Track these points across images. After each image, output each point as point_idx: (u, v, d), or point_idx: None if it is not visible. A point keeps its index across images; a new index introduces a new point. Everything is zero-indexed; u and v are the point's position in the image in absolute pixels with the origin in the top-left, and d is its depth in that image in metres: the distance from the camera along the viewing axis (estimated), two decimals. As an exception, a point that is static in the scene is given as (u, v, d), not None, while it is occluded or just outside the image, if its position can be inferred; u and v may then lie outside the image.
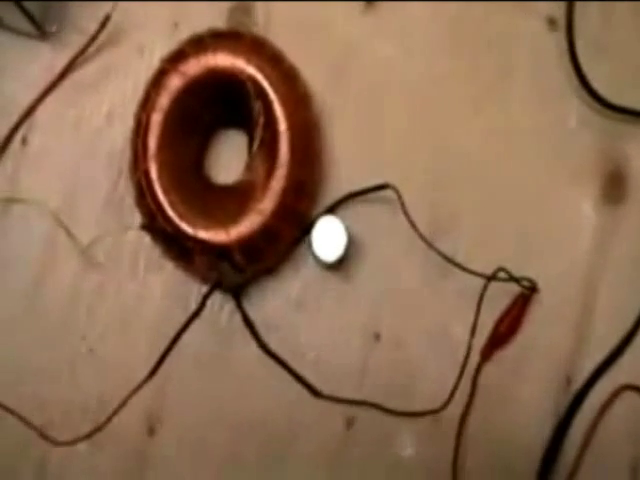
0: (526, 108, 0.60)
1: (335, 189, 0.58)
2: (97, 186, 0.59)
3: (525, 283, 0.56)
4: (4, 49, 0.60)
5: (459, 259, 0.56)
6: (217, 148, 0.59)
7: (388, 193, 0.56)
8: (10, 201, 0.58)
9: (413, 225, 0.55)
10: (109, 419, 0.56)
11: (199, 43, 0.57)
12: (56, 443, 0.56)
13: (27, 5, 0.57)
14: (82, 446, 0.56)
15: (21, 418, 0.56)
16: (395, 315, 0.57)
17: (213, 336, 0.57)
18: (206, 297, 0.56)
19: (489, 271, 0.56)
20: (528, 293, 0.57)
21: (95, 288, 0.58)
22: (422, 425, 0.56)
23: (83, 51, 0.59)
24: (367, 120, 0.59)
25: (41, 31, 0.60)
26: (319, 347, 0.57)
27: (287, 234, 0.56)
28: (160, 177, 0.55)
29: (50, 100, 0.59)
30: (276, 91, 0.55)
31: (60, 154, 0.59)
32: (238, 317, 0.56)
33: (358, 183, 0.57)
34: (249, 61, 0.56)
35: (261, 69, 0.56)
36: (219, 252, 0.54)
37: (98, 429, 0.56)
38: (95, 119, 0.59)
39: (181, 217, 0.54)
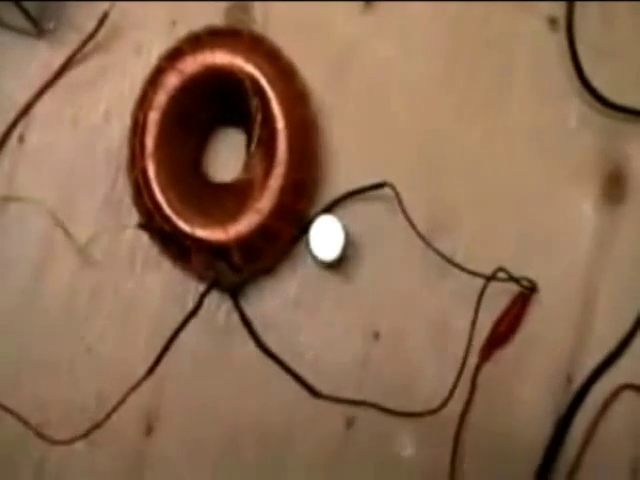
0: (526, 107, 0.59)
1: (334, 188, 0.58)
2: (95, 184, 0.58)
3: (525, 283, 0.56)
4: (1, 47, 0.60)
5: (458, 258, 0.56)
6: (215, 146, 0.59)
7: (386, 192, 0.56)
8: (7, 199, 0.58)
9: (412, 224, 0.55)
10: (107, 417, 0.55)
11: (196, 41, 0.56)
12: (54, 442, 0.56)
13: (24, 3, 0.56)
14: (80, 445, 0.56)
15: (19, 418, 0.56)
16: (394, 314, 0.57)
17: (211, 335, 0.57)
18: (203, 296, 0.56)
19: (488, 271, 0.55)
20: (528, 293, 0.56)
21: (93, 286, 0.57)
22: (422, 425, 0.56)
23: (80, 49, 0.58)
24: (366, 119, 0.59)
25: (38, 29, 0.60)
26: (317, 346, 0.57)
27: (285, 233, 0.56)
28: (157, 175, 0.55)
29: (47, 98, 0.59)
30: (274, 89, 0.55)
31: (57, 152, 0.59)
32: (236, 316, 0.56)
33: (357, 182, 0.57)
34: (247, 59, 0.55)
35: (259, 67, 0.55)
36: (217, 251, 0.54)
37: (96, 427, 0.55)
38: (92, 117, 0.59)
39: (179, 215, 0.54)
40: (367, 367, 0.56)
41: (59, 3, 0.60)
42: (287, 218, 0.55)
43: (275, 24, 0.60)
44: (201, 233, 0.54)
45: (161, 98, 0.55)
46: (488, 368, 0.57)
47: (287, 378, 0.56)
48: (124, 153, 0.56)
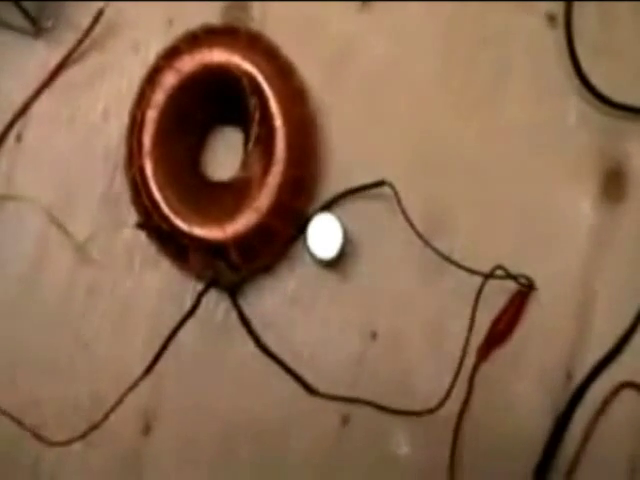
0: (524, 105, 0.59)
1: (332, 186, 0.58)
2: (92, 183, 0.58)
3: (523, 281, 0.56)
4: (-1, 46, 0.59)
5: (456, 256, 0.56)
6: (213, 145, 0.59)
7: (385, 190, 0.56)
8: (5, 198, 0.58)
9: (410, 222, 0.55)
10: (105, 417, 0.55)
11: (194, 39, 0.56)
12: (50, 443, 0.56)
13: (23, 2, 0.56)
14: (77, 445, 0.56)
15: (15, 419, 0.56)
16: (392, 313, 0.57)
17: (209, 334, 0.57)
18: (201, 295, 0.55)
19: (486, 268, 0.55)
20: (526, 291, 0.56)
21: (90, 285, 0.58)
22: (418, 424, 0.55)
23: (76, 47, 0.58)
24: (364, 117, 0.59)
25: (36, 28, 0.60)
26: (315, 345, 0.57)
27: (283, 231, 0.56)
28: (155, 174, 0.55)
29: (45, 97, 0.59)
30: (272, 87, 0.55)
31: (55, 151, 0.59)
32: (234, 315, 0.56)
33: (355, 180, 0.57)
34: (244, 57, 0.55)
35: (256, 65, 0.55)
36: (214, 249, 0.54)
37: (94, 427, 0.55)
38: (90, 116, 0.59)
39: (176, 214, 0.54)
40: (364, 365, 0.56)
41: (57, 2, 0.60)
42: (285, 216, 0.55)
43: (273, 22, 0.59)
44: (199, 232, 0.54)
45: (159, 97, 0.55)
46: (486, 366, 0.56)
47: (284, 376, 0.56)
48: (122, 152, 0.56)
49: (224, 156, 0.58)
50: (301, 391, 0.56)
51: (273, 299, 0.57)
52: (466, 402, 0.55)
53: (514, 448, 0.56)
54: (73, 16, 0.60)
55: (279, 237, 0.56)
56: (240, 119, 0.57)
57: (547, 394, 0.56)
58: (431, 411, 0.54)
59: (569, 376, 0.57)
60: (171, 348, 0.56)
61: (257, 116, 0.55)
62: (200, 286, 0.56)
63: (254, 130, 0.55)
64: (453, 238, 0.57)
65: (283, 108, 0.55)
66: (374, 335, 0.57)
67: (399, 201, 0.55)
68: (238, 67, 0.55)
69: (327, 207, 0.57)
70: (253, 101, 0.55)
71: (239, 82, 0.55)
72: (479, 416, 0.56)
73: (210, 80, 0.56)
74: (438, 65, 0.60)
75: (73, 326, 0.57)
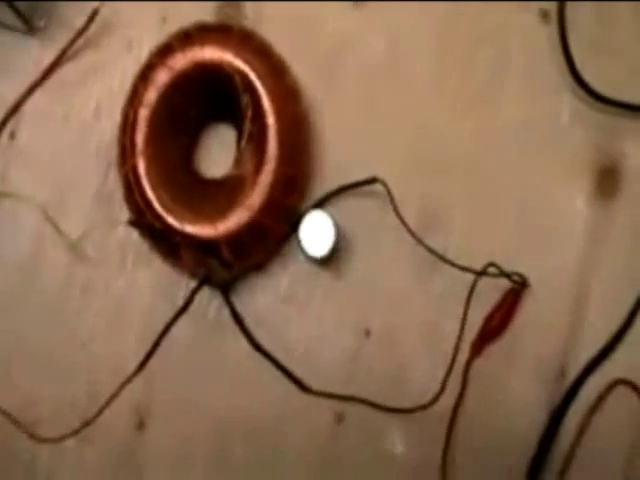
0: (519, 102, 0.59)
1: (326, 183, 0.58)
2: (86, 181, 0.59)
3: (516, 278, 0.56)
4: (-7, 44, 0.59)
5: (450, 254, 0.56)
6: (206, 143, 0.59)
7: (378, 187, 0.56)
8: (-1, 196, 0.58)
9: (402, 220, 0.55)
10: (98, 414, 0.55)
11: (186, 37, 0.56)
12: (45, 440, 0.56)
13: (15, 2, 0.56)
14: (71, 442, 0.56)
15: (9, 416, 0.56)
16: (385, 310, 0.57)
17: (202, 331, 0.57)
18: (194, 292, 0.56)
19: (481, 266, 0.55)
20: (519, 288, 0.56)
21: (84, 283, 0.58)
22: (413, 421, 0.55)
23: (70, 46, 0.59)
24: (357, 114, 0.59)
25: (29, 26, 0.60)
26: (308, 342, 0.57)
27: (276, 229, 0.56)
28: (148, 172, 0.55)
29: (38, 95, 0.59)
30: (264, 84, 0.55)
31: (49, 149, 0.59)
32: (227, 312, 0.56)
33: (349, 178, 0.57)
34: (237, 54, 0.55)
35: (249, 62, 0.55)
36: (206, 247, 0.54)
37: (87, 424, 0.55)
38: (84, 114, 0.59)
39: (169, 212, 0.54)
40: (358, 363, 0.56)
41: (50, 2, 0.60)
42: (277, 214, 0.55)
43: (266, 20, 0.59)
44: (191, 229, 0.54)
45: (151, 95, 0.55)
46: (480, 363, 0.56)
47: (277, 374, 0.56)
48: (115, 149, 0.56)
49: (217, 154, 0.58)
50: (295, 389, 0.56)
51: (266, 296, 0.57)
52: (460, 398, 0.55)
53: (508, 444, 0.56)
54: (66, 15, 0.60)
55: (271, 235, 0.56)
56: (233, 117, 0.57)
57: (541, 390, 0.56)
58: (424, 407, 0.54)
59: (563, 372, 0.56)
60: (164, 345, 0.56)
61: (250, 114, 0.55)
62: (193, 283, 0.56)
63: (246, 128, 0.55)
64: (448, 235, 0.57)
65: (275, 106, 0.55)
66: (368, 332, 0.57)
67: (391, 198, 0.55)
68: (230, 65, 0.55)
69: (320, 204, 0.57)
70: (245, 99, 0.55)
71: (231, 80, 0.55)
72: (473, 412, 0.56)
73: (203, 78, 0.56)
74: (432, 63, 0.60)
75: (68, 323, 0.57)
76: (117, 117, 0.56)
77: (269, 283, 0.57)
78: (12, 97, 0.59)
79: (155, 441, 0.56)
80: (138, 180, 0.55)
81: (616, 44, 0.59)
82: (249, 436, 0.56)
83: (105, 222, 0.57)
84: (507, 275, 0.55)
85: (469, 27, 0.60)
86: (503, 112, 0.59)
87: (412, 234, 0.55)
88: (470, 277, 0.55)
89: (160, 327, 0.56)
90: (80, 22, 0.58)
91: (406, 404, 0.55)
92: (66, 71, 0.59)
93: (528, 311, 0.57)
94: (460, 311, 0.56)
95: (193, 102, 0.57)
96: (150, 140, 0.55)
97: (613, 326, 0.57)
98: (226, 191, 0.55)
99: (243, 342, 0.56)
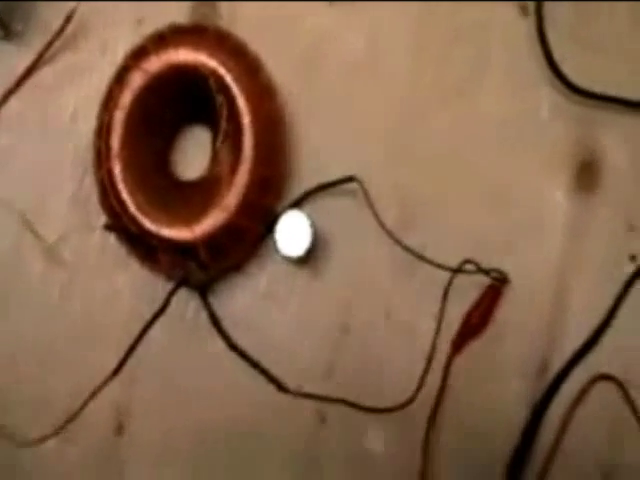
0: (497, 97, 0.59)
1: (304, 183, 0.58)
2: (63, 185, 0.59)
3: (495, 274, 0.55)
4: (-32, 50, 0.60)
5: (429, 251, 0.55)
6: (183, 145, 0.59)
7: (356, 186, 0.56)
8: (-25, 201, 0.58)
9: (378, 218, 0.55)
10: (74, 416, 0.55)
11: (161, 39, 0.56)
12: (25, 442, 0.56)
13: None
14: (51, 445, 0.56)
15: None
16: (364, 309, 0.57)
17: (180, 333, 0.57)
18: (171, 294, 0.56)
19: (460, 262, 0.55)
20: (498, 284, 0.56)
21: (62, 286, 0.58)
22: (394, 419, 0.55)
23: (46, 50, 0.59)
24: (334, 113, 0.59)
25: (6, 31, 0.60)
26: (287, 342, 0.57)
27: (252, 230, 0.56)
28: (123, 176, 0.55)
29: (15, 100, 0.59)
30: (239, 84, 0.55)
31: (25, 153, 0.59)
32: (205, 314, 0.56)
33: (328, 177, 0.57)
34: (211, 55, 0.55)
35: (223, 63, 0.55)
36: (183, 249, 0.54)
37: (64, 427, 0.55)
38: (60, 117, 0.59)
39: (145, 215, 0.54)
40: (337, 362, 0.56)
41: (27, 5, 0.60)
42: (254, 215, 0.55)
43: (242, 20, 0.59)
44: (167, 232, 0.54)
45: (126, 98, 0.55)
46: (461, 360, 0.56)
47: (256, 374, 0.56)
48: (92, 153, 0.56)
49: (193, 156, 0.58)
50: (273, 389, 0.56)
51: (244, 297, 0.57)
52: (440, 396, 0.55)
53: (490, 440, 0.56)
54: (43, 18, 0.60)
55: (248, 235, 0.56)
56: (209, 118, 0.56)
57: (523, 386, 0.56)
58: (402, 407, 0.53)
59: (545, 368, 0.56)
60: (142, 347, 0.56)
61: (225, 114, 0.55)
62: (171, 286, 0.56)
63: (222, 128, 0.55)
64: (427, 232, 0.57)
65: (251, 105, 0.55)
66: (346, 331, 0.56)
67: (367, 196, 0.55)
68: (204, 66, 0.55)
69: (297, 204, 0.57)
70: (220, 99, 0.55)
71: (206, 81, 0.55)
72: (454, 410, 0.56)
73: (177, 80, 0.56)
74: (409, 59, 0.59)
75: (47, 327, 0.57)
76: (94, 120, 0.56)
77: (247, 283, 0.57)
78: (-12, 102, 0.59)
79: (135, 442, 0.56)
80: (113, 183, 0.55)
81: (595, 37, 0.59)
82: (229, 437, 0.56)
83: (82, 226, 0.58)
84: (485, 271, 0.55)
85: (446, 21, 0.60)
86: (481, 106, 0.59)
87: (388, 232, 0.54)
88: (448, 274, 0.55)
89: (139, 330, 0.56)
90: (58, 25, 0.58)
91: (387, 402, 0.55)
92: (43, 75, 0.59)
93: (509, 307, 0.57)
94: (444, 310, 0.55)
95: (169, 104, 0.57)
96: (125, 143, 0.55)
97: (594, 321, 0.57)
98: (202, 193, 0.55)
99: (222, 343, 0.56)
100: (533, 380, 0.56)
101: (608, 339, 0.56)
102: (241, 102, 0.55)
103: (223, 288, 0.57)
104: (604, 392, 0.56)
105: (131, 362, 0.56)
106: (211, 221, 0.54)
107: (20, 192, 0.58)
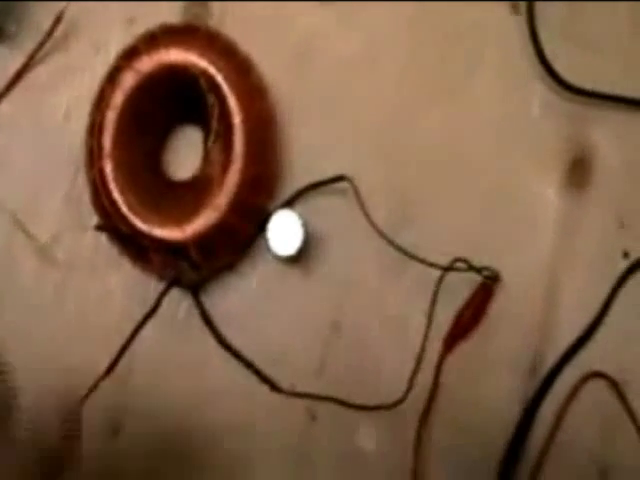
0: (489, 93, 0.59)
1: (295, 182, 0.58)
2: (56, 185, 0.59)
3: (487, 273, 0.55)
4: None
5: (421, 250, 0.55)
6: (174, 145, 0.59)
7: (347, 185, 0.56)
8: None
9: (368, 217, 0.55)
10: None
11: (152, 39, 0.56)
12: (20, 443, 0.56)
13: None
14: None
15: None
16: (356, 308, 0.57)
17: (172, 333, 0.57)
18: (162, 295, 0.56)
19: (451, 260, 0.55)
20: (490, 283, 0.56)
21: (55, 286, 0.58)
22: (386, 418, 0.55)
23: (39, 48, 0.59)
24: (326, 112, 0.59)
25: (0, 33, 0.60)
26: (279, 342, 0.57)
27: (244, 229, 0.56)
28: (115, 175, 0.55)
29: (7, 100, 0.59)
30: (230, 84, 0.55)
31: (19, 153, 0.59)
32: (197, 313, 0.56)
33: (320, 176, 0.57)
34: (202, 55, 0.55)
35: (214, 63, 0.55)
36: (174, 249, 0.54)
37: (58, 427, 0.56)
38: (53, 117, 0.59)
39: (136, 215, 0.54)
40: (329, 361, 0.56)
41: (20, 6, 0.60)
42: (245, 214, 0.55)
43: (233, 19, 0.59)
44: (158, 232, 0.54)
45: (118, 98, 0.56)
46: (453, 359, 0.56)
47: (249, 373, 0.56)
48: (84, 153, 0.56)
49: (185, 155, 0.58)
50: (266, 389, 0.56)
51: (236, 296, 0.57)
52: (432, 395, 0.55)
53: (482, 438, 0.56)
54: (36, 20, 0.60)
55: (240, 235, 0.56)
56: (200, 118, 0.57)
57: (515, 385, 0.56)
58: (393, 405, 0.53)
59: (537, 366, 0.56)
60: (135, 347, 0.56)
61: (216, 113, 0.55)
62: (162, 286, 0.56)
63: (213, 128, 0.55)
64: (419, 230, 0.57)
65: (241, 105, 0.55)
66: (338, 330, 0.57)
67: (358, 195, 0.55)
68: (195, 65, 0.55)
69: (289, 204, 0.57)
70: (211, 99, 0.55)
71: (197, 81, 0.55)
72: (447, 408, 0.56)
73: (169, 80, 0.56)
74: (401, 57, 0.59)
75: (40, 327, 0.58)
76: (87, 120, 0.57)
77: (239, 283, 0.57)
78: (-19, 104, 0.59)
79: (129, 441, 0.56)
80: (105, 183, 0.55)
81: (586, 34, 0.59)
82: (221, 436, 0.56)
83: (75, 226, 0.58)
84: (477, 270, 0.55)
85: (438, 21, 0.60)
86: (473, 104, 0.59)
87: (379, 231, 0.54)
88: (440, 273, 0.55)
89: (131, 329, 0.56)
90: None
91: (378, 401, 0.55)
92: (35, 75, 0.60)
93: (501, 305, 0.57)
94: (434, 308, 0.55)
95: (160, 104, 0.57)
96: (117, 143, 0.55)
97: (587, 318, 0.57)
98: (194, 192, 0.55)
99: (214, 343, 0.56)
100: (525, 377, 0.56)
101: (600, 336, 0.56)
102: (232, 102, 0.55)
103: (215, 288, 0.57)
104: (596, 389, 0.56)
105: (123, 362, 0.56)
106: (202, 221, 0.54)
107: (13, 192, 0.58)
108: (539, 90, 0.59)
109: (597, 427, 0.55)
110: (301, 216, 0.55)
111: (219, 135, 0.55)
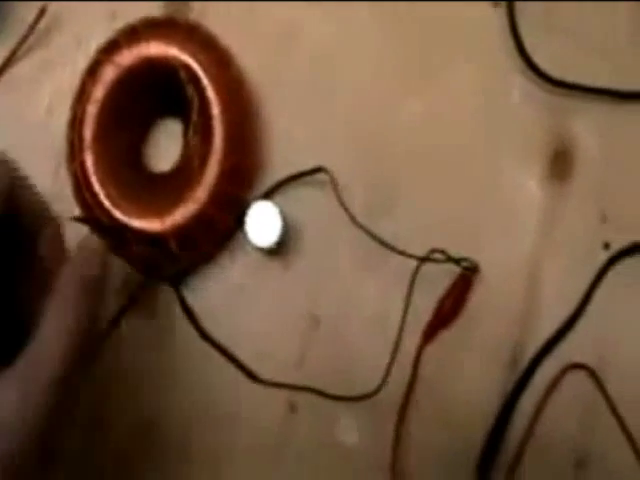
0: (469, 87, 0.59)
1: (276, 174, 0.58)
2: (39, 178, 0.58)
3: (465, 264, 0.55)
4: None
5: (401, 241, 0.55)
6: (156, 137, 0.59)
7: (326, 177, 0.56)
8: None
9: (345, 208, 0.55)
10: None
11: (132, 33, 0.57)
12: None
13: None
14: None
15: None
16: (335, 300, 0.57)
17: (152, 325, 0.57)
18: (142, 286, 0.56)
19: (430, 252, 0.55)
20: (469, 274, 0.56)
21: (38, 280, 0.58)
22: (365, 410, 0.55)
23: (21, 43, 0.59)
24: (305, 104, 0.59)
25: (-18, 28, 0.60)
26: (259, 333, 0.57)
27: (223, 221, 0.56)
28: (96, 168, 0.55)
29: (-10, 94, 0.60)
30: (209, 76, 0.55)
31: (1, 147, 0.59)
32: (177, 305, 0.56)
33: (300, 167, 0.57)
34: (182, 48, 0.56)
35: (194, 55, 0.56)
36: (154, 241, 0.54)
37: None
38: (35, 112, 0.60)
39: (116, 207, 0.55)
40: (309, 352, 0.56)
41: (6, 5, 0.61)
42: (224, 206, 0.56)
43: (213, 13, 0.60)
44: (138, 224, 0.54)
45: (99, 92, 0.56)
46: (432, 350, 0.56)
47: (229, 365, 0.56)
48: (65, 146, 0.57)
49: (166, 148, 0.58)
50: (246, 380, 0.56)
51: (216, 288, 0.57)
52: (411, 386, 0.55)
53: (462, 429, 0.55)
54: (21, 16, 0.60)
55: (219, 226, 0.56)
56: (181, 111, 0.57)
57: (495, 376, 0.56)
58: (370, 395, 0.53)
59: (517, 358, 0.56)
60: (114, 339, 0.56)
61: (195, 105, 0.55)
62: (142, 277, 0.57)
63: (193, 120, 0.55)
64: (398, 222, 0.57)
65: (221, 97, 0.55)
66: (317, 322, 0.57)
67: (335, 187, 0.55)
68: (175, 58, 0.55)
69: (268, 195, 0.57)
70: (190, 91, 0.55)
71: (177, 73, 0.55)
72: (425, 400, 0.56)
73: (149, 73, 0.56)
74: (380, 49, 0.59)
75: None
76: (68, 114, 0.57)
77: (219, 275, 0.57)
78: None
79: (110, 435, 0.57)
80: (86, 176, 0.55)
81: (566, 26, 0.59)
82: (201, 427, 0.56)
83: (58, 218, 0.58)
84: (455, 261, 0.55)
85: (417, 11, 0.60)
86: (453, 96, 0.59)
87: (356, 222, 0.54)
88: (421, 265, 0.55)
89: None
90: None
91: (358, 393, 0.55)
92: (18, 69, 0.60)
93: (481, 296, 0.57)
94: (411, 299, 0.55)
95: (141, 97, 0.57)
96: (98, 136, 0.56)
97: (568, 309, 0.56)
98: (174, 184, 0.56)
99: (194, 334, 0.56)
100: (506, 369, 0.56)
101: (581, 327, 0.56)
102: (211, 94, 0.55)
103: (195, 279, 0.57)
104: (577, 380, 0.56)
105: (103, 354, 0.56)
106: (182, 212, 0.54)
107: (-5, 186, 0.58)
108: (519, 82, 0.59)
109: (577, 418, 0.55)
110: (280, 207, 0.55)
111: (198, 127, 0.55)
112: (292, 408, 0.56)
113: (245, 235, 0.55)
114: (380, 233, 0.55)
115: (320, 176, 0.56)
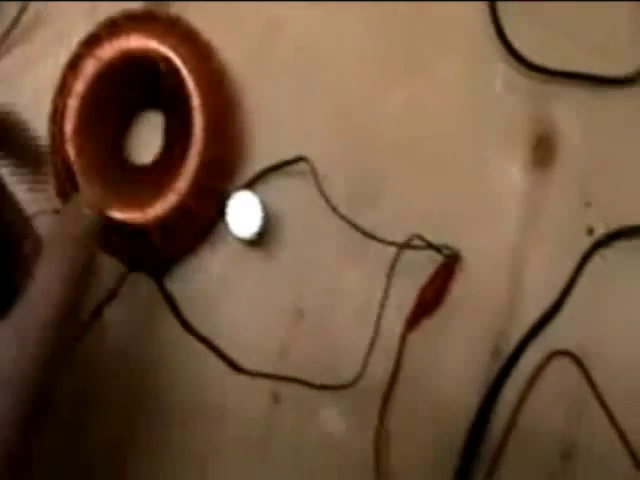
0: (450, 74, 0.59)
1: (257, 165, 0.58)
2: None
3: (446, 251, 0.55)
4: None
5: (383, 230, 0.55)
6: (137, 130, 0.59)
7: (307, 167, 0.56)
8: None
9: (326, 198, 0.55)
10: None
11: (113, 26, 0.57)
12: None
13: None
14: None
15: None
16: (318, 289, 0.57)
17: (134, 316, 0.57)
18: (123, 277, 0.56)
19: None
20: (451, 261, 0.56)
21: (21, 273, 0.58)
22: (348, 400, 0.55)
23: (4, 39, 0.59)
24: (286, 94, 0.59)
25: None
26: (242, 324, 0.57)
27: (204, 212, 0.56)
28: (77, 162, 0.56)
29: (-28, 92, 0.60)
30: (189, 68, 0.55)
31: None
32: (159, 296, 0.56)
33: (279, 158, 0.57)
34: (162, 41, 0.56)
35: (174, 48, 0.56)
36: (136, 233, 0.54)
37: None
38: (18, 106, 0.60)
39: (98, 199, 0.54)
40: (292, 343, 0.56)
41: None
42: (206, 197, 0.56)
43: (194, 6, 0.60)
44: (119, 216, 0.54)
45: (79, 85, 0.56)
46: (415, 338, 0.56)
47: (212, 356, 0.56)
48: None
49: (148, 141, 0.59)
50: (229, 371, 0.56)
51: (198, 279, 0.57)
52: (394, 375, 0.55)
53: (445, 419, 0.55)
54: (6, 12, 0.61)
55: (200, 218, 0.56)
56: (162, 103, 0.57)
57: (479, 364, 0.56)
58: (351, 384, 0.53)
59: (501, 346, 0.56)
60: (97, 330, 0.56)
61: (175, 98, 0.55)
62: (124, 269, 0.57)
63: (173, 112, 0.55)
64: (381, 211, 0.57)
65: (201, 89, 0.55)
66: (300, 312, 0.57)
67: (316, 177, 0.55)
68: (155, 51, 0.56)
69: (249, 185, 0.57)
70: (171, 83, 0.55)
71: (157, 66, 0.55)
72: (409, 388, 0.55)
73: (130, 66, 0.57)
74: (363, 39, 0.59)
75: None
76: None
77: (201, 266, 0.57)
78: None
79: (94, 427, 0.57)
80: (68, 169, 0.55)
81: (547, 12, 0.59)
82: (185, 419, 0.56)
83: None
84: (435, 248, 0.55)
85: (400, 1, 0.60)
86: (435, 84, 0.59)
87: (336, 212, 0.54)
88: (403, 253, 0.55)
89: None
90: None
91: (341, 382, 0.55)
92: (1, 65, 0.60)
93: (464, 284, 0.56)
94: (394, 288, 0.55)
95: (121, 90, 0.58)
96: (79, 130, 0.56)
97: (551, 296, 0.56)
98: (155, 176, 0.56)
99: (176, 325, 0.56)
100: (490, 357, 0.56)
101: (566, 313, 0.56)
102: (191, 85, 0.55)
103: (177, 271, 0.57)
104: (561, 367, 0.55)
105: (86, 345, 0.56)
106: (163, 204, 0.54)
107: (-22, 181, 0.59)
108: (501, 69, 0.58)
109: (562, 406, 0.55)
110: (261, 198, 0.55)
111: (178, 119, 0.55)
112: (275, 399, 0.56)
113: (226, 226, 0.55)
114: (364, 223, 0.55)
115: (301, 166, 0.56)
